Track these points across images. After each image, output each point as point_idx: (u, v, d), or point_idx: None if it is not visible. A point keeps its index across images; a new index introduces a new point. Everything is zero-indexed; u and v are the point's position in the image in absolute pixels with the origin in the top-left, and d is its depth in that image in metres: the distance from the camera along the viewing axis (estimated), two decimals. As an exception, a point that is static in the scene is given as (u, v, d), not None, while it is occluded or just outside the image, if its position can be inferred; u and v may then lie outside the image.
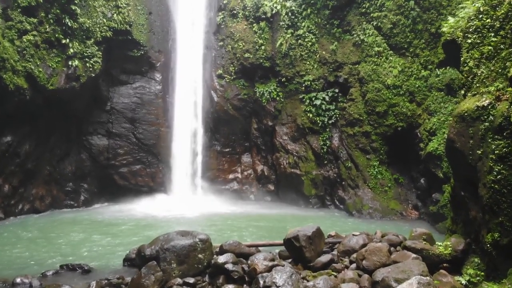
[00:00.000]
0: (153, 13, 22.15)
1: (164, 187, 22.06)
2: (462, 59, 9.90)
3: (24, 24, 16.79)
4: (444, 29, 10.69)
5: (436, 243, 9.63)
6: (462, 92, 9.90)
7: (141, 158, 21.76)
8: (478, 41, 9.42)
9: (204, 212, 19.15)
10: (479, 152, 8.78)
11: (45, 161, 19.14)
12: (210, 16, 23.23)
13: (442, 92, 17.07)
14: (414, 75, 18.42)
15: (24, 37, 16.81)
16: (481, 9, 9.47)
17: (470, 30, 9.69)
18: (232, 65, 22.63)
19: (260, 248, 10.49)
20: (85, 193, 20.74)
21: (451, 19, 10.60)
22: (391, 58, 19.08)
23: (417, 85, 18.19)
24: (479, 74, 9.28)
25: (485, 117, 8.62)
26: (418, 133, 17.94)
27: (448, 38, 10.40)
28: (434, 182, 16.62)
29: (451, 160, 10.25)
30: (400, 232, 14.84)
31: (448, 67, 16.96)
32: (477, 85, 9.28)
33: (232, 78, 22.68)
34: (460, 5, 15.93)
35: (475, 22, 9.58)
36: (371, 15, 19.55)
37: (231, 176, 23.18)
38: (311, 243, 9.05)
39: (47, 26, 17.65)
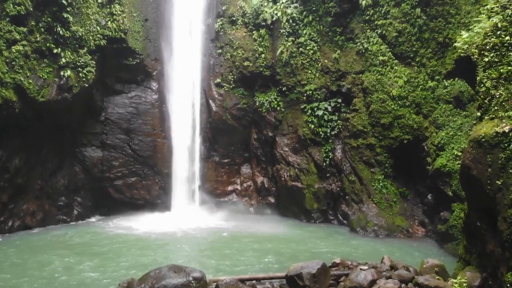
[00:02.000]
0: (149, 19, 21.38)
1: (160, 199, 21.29)
2: (478, 78, 9.16)
3: (13, 33, 16.01)
4: (457, 44, 9.94)
5: (451, 279, 8.90)
6: (478, 114, 9.16)
7: (137, 170, 20.99)
8: (496, 60, 8.69)
9: (202, 228, 18.46)
10: (499, 182, 8.06)
11: (36, 175, 18.37)
12: (208, 22, 22.46)
13: (451, 105, 16.30)
14: (421, 86, 17.66)
15: (13, 47, 16.03)
16: (499, 25, 8.74)
17: (487, 47, 8.94)
18: (231, 74, 21.87)
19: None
20: (78, 207, 19.98)
21: (465, 34, 9.84)
22: (396, 68, 18.33)
23: (423, 97, 17.43)
24: (497, 96, 8.55)
25: (506, 144, 7.91)
26: (425, 147, 17.19)
27: (462, 54, 9.66)
28: (442, 199, 15.87)
29: (466, 188, 9.50)
30: (408, 254, 14.22)
31: (456, 79, 16.19)
32: (495, 108, 8.54)
33: (231, 86, 21.92)
34: (469, 15, 15.35)
35: (492, 39, 8.84)
36: (376, 22, 18.79)
37: (230, 188, 22.42)
38: (315, 281, 8.32)
39: (38, 35, 16.90)
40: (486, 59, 8.89)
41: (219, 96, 22.08)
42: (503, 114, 8.23)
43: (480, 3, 14.97)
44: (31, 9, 16.41)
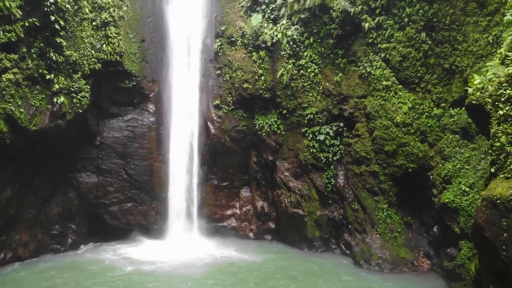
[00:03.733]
0: (146, 40, 20.81)
1: (157, 225, 20.69)
2: (492, 131, 8.57)
3: (4, 62, 15.41)
4: (469, 90, 9.34)
5: None
6: (492, 170, 8.56)
7: (133, 196, 20.41)
8: (512, 113, 8.10)
9: (199, 257, 17.90)
10: (516, 250, 7.46)
11: (28, 204, 17.78)
12: (207, 42, 21.86)
13: (457, 135, 15.68)
14: (426, 113, 17.05)
15: (3, 76, 15.44)
16: (515, 75, 8.15)
17: (502, 99, 8.36)
18: (230, 95, 21.30)
19: None
20: (72, 234, 19.38)
21: (476, 79, 9.25)
22: (400, 93, 17.73)
23: (429, 124, 16.82)
24: (513, 154, 7.95)
25: (524, 210, 7.30)
26: (431, 177, 16.58)
27: (473, 102, 9.05)
28: (448, 234, 15.26)
29: (478, 247, 8.90)
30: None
31: (463, 108, 15.56)
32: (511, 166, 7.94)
33: (230, 108, 21.34)
34: (477, 43, 14.76)
35: (508, 90, 8.26)
36: (379, 46, 18.19)
37: (229, 212, 21.82)
38: None
39: (30, 62, 16.32)
40: (501, 112, 8.31)
41: (217, 118, 21.50)
42: (520, 175, 7.65)
43: (489, 32, 14.42)
44: (22, 35, 15.82)
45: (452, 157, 15.51)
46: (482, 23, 14.58)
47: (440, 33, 16.35)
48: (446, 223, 15.00)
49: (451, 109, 16.22)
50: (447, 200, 14.66)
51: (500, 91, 8.41)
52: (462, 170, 14.88)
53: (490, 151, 8.67)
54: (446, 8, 15.89)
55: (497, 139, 8.34)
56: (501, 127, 8.26)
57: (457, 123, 15.74)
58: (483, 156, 14.31)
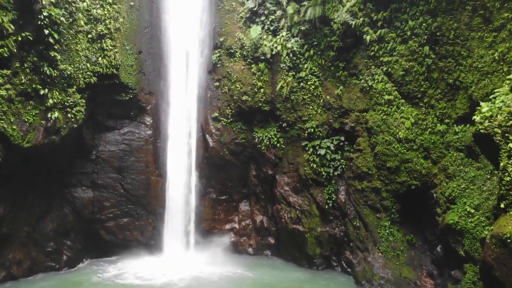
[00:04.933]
0: (143, 52, 20.40)
1: (154, 240, 20.27)
2: (501, 164, 8.14)
3: (-4, 78, 15.07)
4: (476, 118, 8.91)
5: None
6: (502, 205, 8.13)
7: (129, 211, 19.98)
8: (523, 147, 7.67)
9: (196, 274, 17.54)
10: (528, 295, 7.03)
11: (22, 221, 17.38)
12: (205, 53, 21.47)
13: (462, 153, 15.24)
14: (429, 129, 16.60)
15: (-5, 92, 15.10)
16: (527, 106, 7.72)
17: (512, 131, 7.93)
18: (229, 107, 20.88)
19: None
20: (68, 251, 18.96)
21: (484, 107, 8.82)
22: (402, 108, 17.29)
23: (432, 141, 16.37)
24: (525, 190, 7.53)
25: (537, 253, 6.86)
26: (434, 195, 16.13)
27: (481, 131, 8.61)
28: (453, 255, 14.80)
29: (487, 285, 8.46)
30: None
31: (468, 125, 15.15)
32: (523, 203, 7.51)
33: (229, 121, 20.93)
34: (482, 59, 14.32)
35: (518, 122, 7.82)
36: (381, 59, 17.77)
37: (227, 226, 21.41)
38: None
39: (23, 77, 15.90)
40: None
41: (216, 130, 21.09)
42: (532, 214, 7.22)
43: (494, 48, 13.97)
44: (15, 50, 15.41)
45: (456, 176, 15.07)
46: (488, 39, 14.13)
47: (444, 47, 15.90)
48: (451, 244, 14.56)
49: (455, 125, 15.76)
50: (451, 221, 14.22)
51: (511, 122, 7.99)
52: (467, 190, 14.44)
53: (499, 185, 8.24)
54: (450, 22, 15.44)
55: (507, 174, 7.92)
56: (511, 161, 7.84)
57: (461, 140, 15.29)
58: (488, 177, 13.87)
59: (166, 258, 19.46)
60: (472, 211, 13.89)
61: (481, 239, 13.42)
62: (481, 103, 9.05)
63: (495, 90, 9.11)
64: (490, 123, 8.57)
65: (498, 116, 8.38)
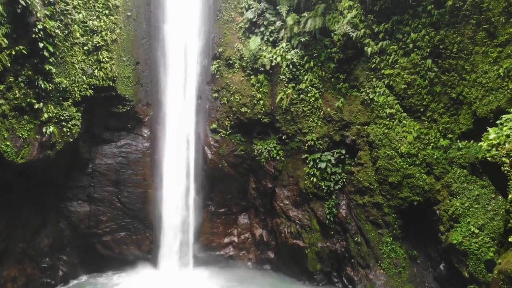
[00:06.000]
0: (140, 62, 20.05)
1: (151, 255, 19.94)
2: (510, 196, 7.79)
3: (-11, 93, 14.73)
4: (483, 145, 8.57)
5: None
6: (510, 239, 7.78)
7: (126, 225, 19.64)
8: (533, 180, 7.33)
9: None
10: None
11: (17, 237, 17.03)
12: (204, 63, 21.13)
13: (465, 170, 14.90)
14: (432, 144, 16.26)
15: (-12, 108, 14.76)
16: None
17: (522, 162, 7.59)
18: (227, 119, 20.54)
19: None
20: (64, 266, 18.62)
21: (491, 133, 8.48)
22: (404, 122, 16.95)
23: (435, 156, 16.02)
24: (535, 226, 7.18)
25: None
26: (437, 211, 15.79)
27: (488, 159, 8.27)
28: (456, 275, 14.47)
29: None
30: None
31: (472, 141, 14.81)
32: (533, 240, 7.17)
33: (227, 132, 20.58)
34: (486, 75, 13.98)
35: (528, 153, 7.48)
36: (382, 71, 17.43)
37: (226, 240, 21.05)
38: None
39: (17, 91, 15.55)
40: (521, 177, 7.54)
41: (215, 142, 20.74)
42: (543, 253, 6.88)
43: (499, 64, 13.63)
44: (9, 64, 15.04)
45: (460, 194, 14.72)
46: (492, 54, 13.79)
47: (447, 61, 15.57)
48: (454, 264, 14.22)
49: (458, 141, 15.43)
50: (455, 241, 13.88)
51: (520, 152, 7.66)
52: (471, 209, 14.10)
53: (507, 217, 7.90)
54: (453, 36, 15.11)
55: (516, 206, 7.59)
56: (521, 194, 7.51)
57: (465, 157, 14.95)
58: (493, 196, 13.54)
59: (164, 273, 19.15)
60: (477, 231, 13.56)
61: (486, 261, 13.10)
62: (489, 129, 8.71)
63: (503, 116, 8.76)
64: (497, 152, 8.23)
65: (506, 144, 8.04)
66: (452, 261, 14.34)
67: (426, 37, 15.95)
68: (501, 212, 13.12)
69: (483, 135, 8.77)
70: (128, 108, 19.43)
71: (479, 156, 8.78)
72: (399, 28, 16.84)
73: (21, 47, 15.25)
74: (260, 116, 19.87)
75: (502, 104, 13.33)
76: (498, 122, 8.86)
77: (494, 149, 8.36)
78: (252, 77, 19.88)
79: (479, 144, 8.88)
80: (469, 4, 14.30)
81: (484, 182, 14.10)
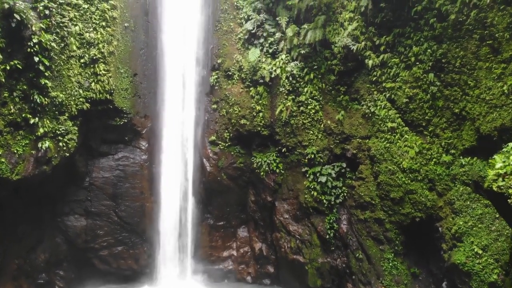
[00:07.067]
0: (138, 74, 19.79)
1: (149, 269, 19.66)
2: (517, 231, 7.49)
3: (-17, 110, 14.47)
4: (489, 174, 8.28)
5: None
6: (518, 275, 7.49)
7: (124, 239, 19.37)
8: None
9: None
10: None
11: (12, 254, 16.80)
12: (203, 74, 20.85)
13: (469, 188, 14.60)
14: (434, 159, 15.95)
15: (-18, 125, 14.50)
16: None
17: (530, 196, 7.29)
18: (226, 131, 20.26)
19: None
20: (60, 281, 18.37)
21: (498, 162, 8.19)
22: (406, 136, 16.65)
23: (437, 172, 15.71)
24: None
25: None
26: (440, 228, 15.48)
27: (494, 189, 7.98)
28: (460, 295, 14.17)
29: None
30: None
31: (475, 158, 14.51)
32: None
33: (226, 145, 20.30)
34: (490, 91, 13.70)
35: (536, 187, 7.19)
36: (383, 84, 17.14)
37: (225, 253, 20.76)
38: None
39: (12, 107, 15.28)
40: (529, 212, 7.24)
41: (213, 154, 20.46)
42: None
43: (504, 81, 13.32)
44: (3, 79, 14.79)
45: (463, 212, 14.41)
46: (496, 70, 13.49)
47: (450, 75, 15.25)
48: (457, 285, 13.91)
49: (461, 157, 15.11)
50: (458, 262, 13.58)
51: (528, 185, 7.37)
52: (474, 228, 13.80)
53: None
54: (456, 50, 14.80)
55: (524, 243, 7.29)
56: (529, 230, 7.21)
57: (468, 174, 14.64)
58: (497, 216, 13.23)
59: (162, 287, 18.84)
60: (480, 251, 13.26)
61: (489, 283, 12.80)
62: (495, 156, 8.42)
63: (510, 144, 8.47)
64: (504, 182, 7.93)
65: (513, 175, 7.75)
66: (455, 281, 14.05)
67: (428, 50, 15.64)
68: (506, 233, 12.83)
69: (489, 162, 8.48)
70: (126, 120, 19.18)
71: (485, 185, 8.49)
72: (401, 41, 16.54)
73: (16, 61, 15.00)
74: (259, 129, 19.59)
75: (506, 122, 13.03)
76: (505, 149, 8.57)
77: (500, 179, 8.07)
78: (251, 88, 19.60)
79: (488, 170, 8.59)
80: (473, 18, 14.00)
81: (487, 201, 13.78)
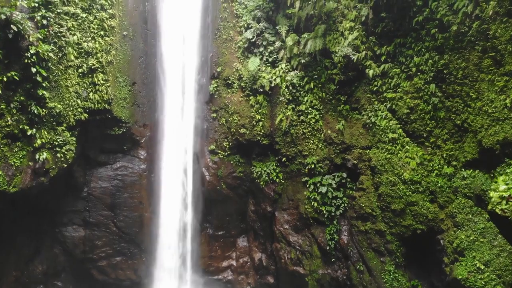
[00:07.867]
0: (137, 82, 19.66)
1: (148, 279, 19.51)
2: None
3: (-20, 122, 14.33)
4: (493, 197, 8.11)
5: None
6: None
7: (122, 249, 19.23)
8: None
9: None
10: None
11: (10, 265, 16.69)
12: (202, 82, 20.70)
13: (471, 201, 14.40)
14: (436, 171, 15.75)
15: (-21, 137, 14.37)
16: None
17: (534, 223, 7.11)
18: (226, 140, 20.09)
19: None
20: (58, 292, 18.25)
21: (501, 184, 8.02)
22: (407, 147, 16.47)
23: (439, 184, 15.52)
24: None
25: None
26: (441, 241, 15.29)
27: (498, 212, 7.81)
28: (462, 310, 13.98)
29: None
30: None
31: (477, 171, 14.31)
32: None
33: (226, 154, 20.13)
34: (493, 104, 13.52)
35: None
36: (384, 95, 16.97)
37: (224, 263, 20.59)
38: None
39: (9, 118, 15.16)
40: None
41: (213, 164, 20.29)
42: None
43: (506, 94, 13.16)
44: (0, 91, 14.67)
45: (465, 225, 14.22)
46: (499, 83, 13.32)
47: (451, 86, 15.07)
48: (460, 300, 13.74)
49: (463, 169, 14.92)
50: (460, 277, 13.40)
51: (532, 211, 7.19)
52: (476, 243, 13.60)
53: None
54: (458, 61, 14.62)
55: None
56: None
57: (470, 187, 14.43)
58: (499, 231, 13.02)
59: (161, 300, 18.72)
60: (482, 267, 13.07)
61: (492, 300, 12.62)
62: (498, 178, 8.25)
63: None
64: (508, 205, 7.76)
65: (517, 200, 7.57)
66: (457, 296, 13.86)
67: (430, 61, 15.46)
68: (508, 249, 12.63)
69: (492, 179, 8.30)
70: (124, 130, 19.04)
71: (488, 208, 8.33)
72: (402, 51, 16.37)
73: (13, 73, 14.88)
74: (259, 138, 19.42)
75: (509, 136, 12.84)
76: (508, 171, 8.39)
77: (504, 201, 7.89)
78: (251, 97, 19.43)
79: (489, 196, 8.41)
80: (475, 30, 13.83)
81: (489, 215, 13.60)
